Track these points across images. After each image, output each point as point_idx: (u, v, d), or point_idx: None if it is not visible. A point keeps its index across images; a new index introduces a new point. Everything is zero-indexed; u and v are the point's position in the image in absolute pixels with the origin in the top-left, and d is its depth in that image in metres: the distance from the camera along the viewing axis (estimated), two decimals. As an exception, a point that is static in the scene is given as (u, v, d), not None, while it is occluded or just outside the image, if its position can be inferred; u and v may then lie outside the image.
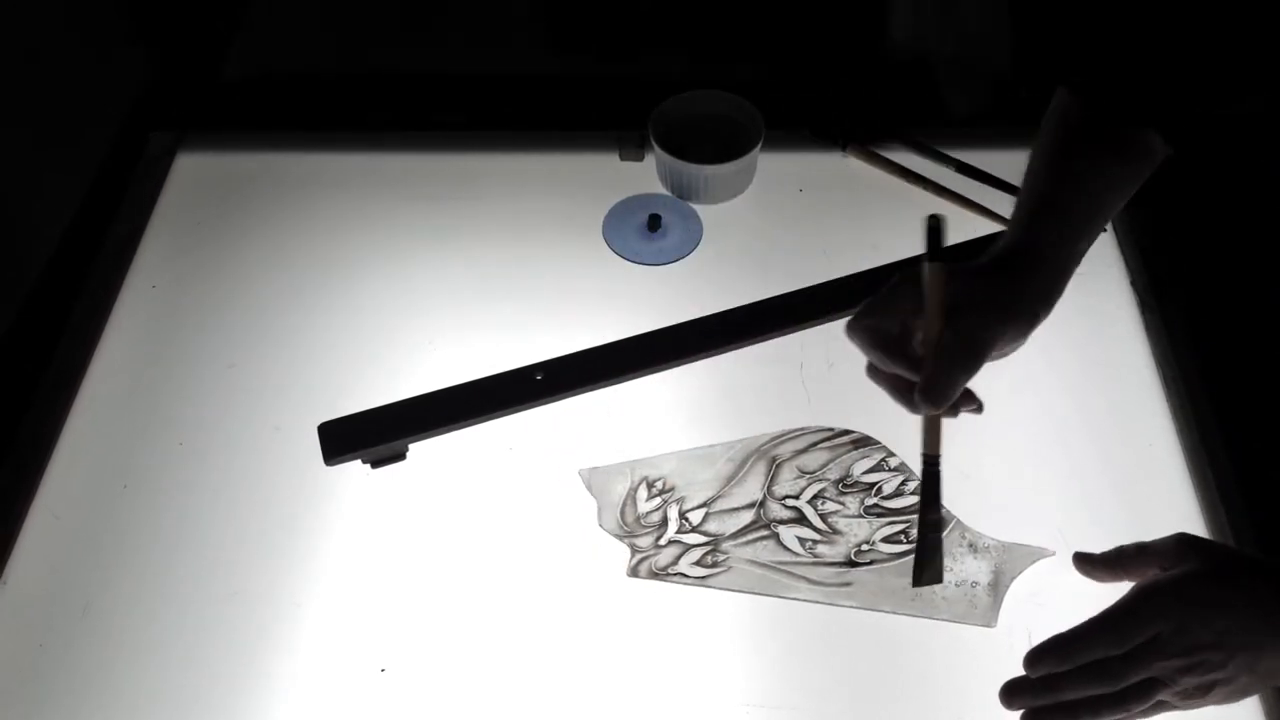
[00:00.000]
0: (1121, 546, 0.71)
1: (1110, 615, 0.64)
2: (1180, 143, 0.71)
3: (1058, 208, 0.70)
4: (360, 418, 0.80)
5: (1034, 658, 0.65)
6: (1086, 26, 0.75)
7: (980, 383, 0.72)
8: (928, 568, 0.73)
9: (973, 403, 0.70)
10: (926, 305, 0.65)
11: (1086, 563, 0.73)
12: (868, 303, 0.68)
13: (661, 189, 0.99)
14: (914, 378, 0.66)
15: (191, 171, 1.02)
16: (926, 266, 0.66)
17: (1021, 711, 0.66)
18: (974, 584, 0.74)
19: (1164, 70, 0.67)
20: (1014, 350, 0.68)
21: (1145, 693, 0.64)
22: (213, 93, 1.15)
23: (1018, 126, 0.78)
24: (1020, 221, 0.70)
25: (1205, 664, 0.62)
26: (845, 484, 0.79)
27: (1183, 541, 0.68)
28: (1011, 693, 0.66)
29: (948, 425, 0.70)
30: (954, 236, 0.89)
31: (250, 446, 0.82)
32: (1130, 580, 0.70)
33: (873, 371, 0.69)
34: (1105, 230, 0.93)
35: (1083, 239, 0.70)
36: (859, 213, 0.97)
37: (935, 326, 0.65)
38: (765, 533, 0.77)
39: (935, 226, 0.66)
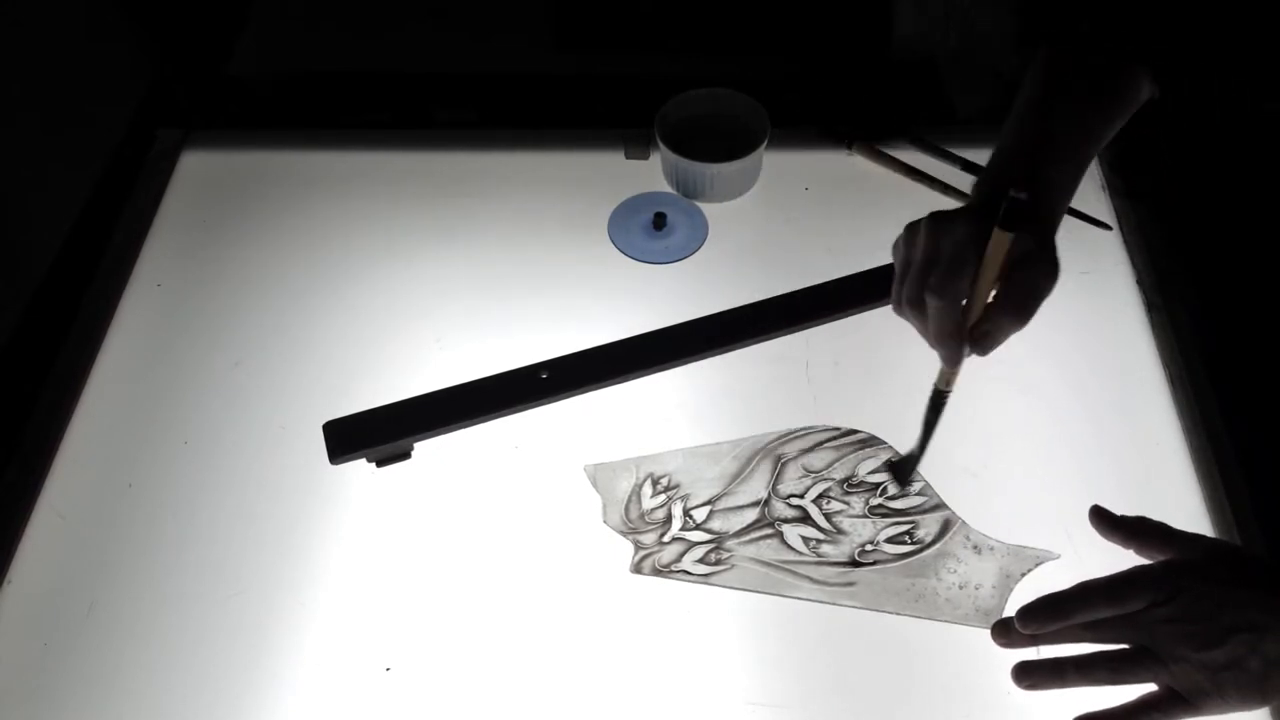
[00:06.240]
0: (1146, 518, 0.70)
1: (1105, 580, 0.64)
2: (1162, 67, 0.68)
3: (1060, 147, 0.66)
4: (365, 416, 0.79)
5: (1024, 612, 0.65)
6: None
7: (986, 383, 0.72)
8: (906, 467, 0.77)
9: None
10: (986, 266, 0.62)
11: (1103, 520, 0.71)
12: (948, 267, 0.63)
13: (667, 187, 0.99)
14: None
15: (197, 169, 1.02)
16: (997, 234, 0.62)
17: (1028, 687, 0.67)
18: (978, 586, 0.74)
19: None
20: None
21: (1141, 663, 0.64)
22: (219, 90, 1.15)
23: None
24: (1022, 168, 0.66)
25: (1200, 635, 0.61)
26: (850, 484, 0.79)
27: (1209, 547, 0.67)
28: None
29: (957, 427, 0.71)
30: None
31: (255, 445, 0.82)
32: (1140, 555, 0.69)
33: (908, 308, 0.66)
34: (1110, 229, 0.93)
35: (1080, 177, 0.67)
36: (865, 211, 0.97)
37: (991, 284, 0.63)
38: (769, 531, 0.77)
39: (1018, 206, 0.61)
